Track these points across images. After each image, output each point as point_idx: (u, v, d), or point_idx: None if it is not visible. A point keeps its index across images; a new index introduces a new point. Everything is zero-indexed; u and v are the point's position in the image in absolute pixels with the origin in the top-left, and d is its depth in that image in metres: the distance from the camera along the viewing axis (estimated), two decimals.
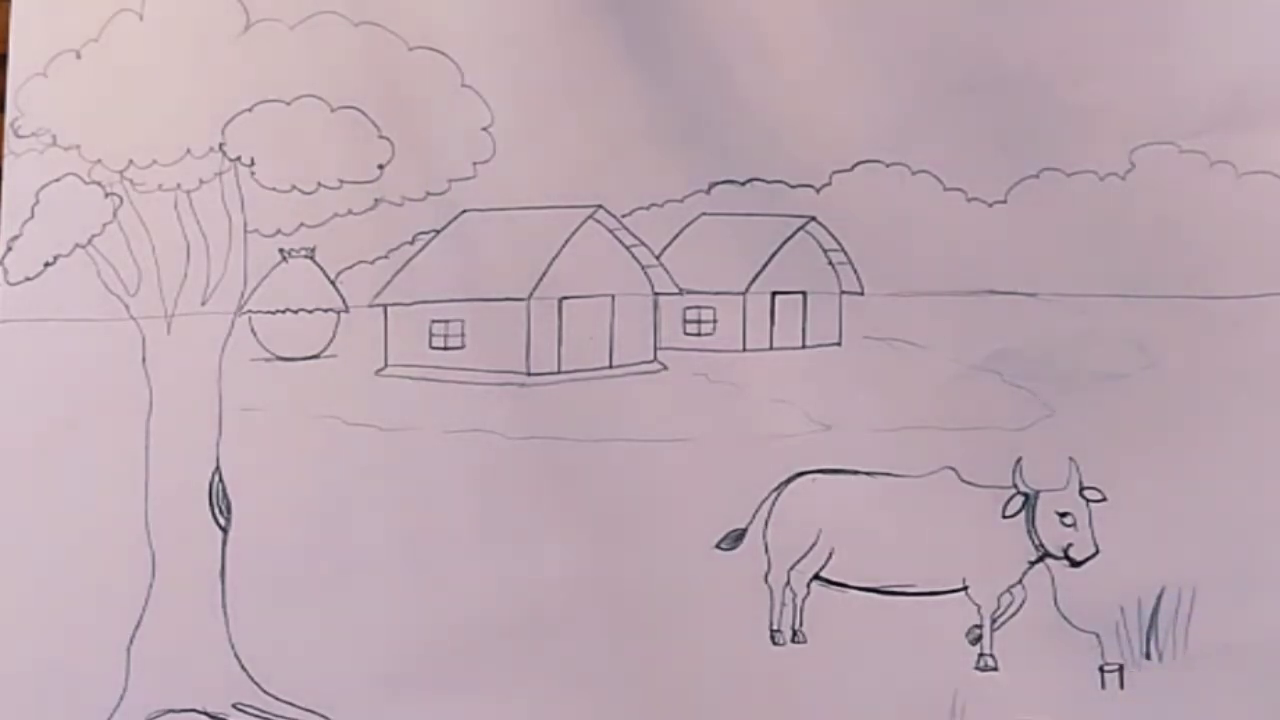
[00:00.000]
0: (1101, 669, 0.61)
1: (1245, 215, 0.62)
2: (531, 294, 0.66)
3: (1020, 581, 0.62)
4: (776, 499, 0.64)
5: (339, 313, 0.67)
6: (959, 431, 0.63)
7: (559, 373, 0.65)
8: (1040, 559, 0.62)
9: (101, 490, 0.67)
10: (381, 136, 0.67)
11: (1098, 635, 0.61)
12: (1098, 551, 0.62)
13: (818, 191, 0.65)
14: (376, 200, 0.67)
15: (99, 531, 0.66)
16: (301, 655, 0.65)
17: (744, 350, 0.65)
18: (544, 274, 0.66)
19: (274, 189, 0.67)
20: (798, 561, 0.63)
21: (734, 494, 0.64)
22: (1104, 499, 0.62)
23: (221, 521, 0.66)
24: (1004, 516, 0.62)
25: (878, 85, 0.64)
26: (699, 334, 0.65)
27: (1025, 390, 0.63)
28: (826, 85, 0.65)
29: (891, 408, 0.63)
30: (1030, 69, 0.64)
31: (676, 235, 0.65)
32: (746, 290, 0.65)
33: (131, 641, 0.66)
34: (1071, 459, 0.62)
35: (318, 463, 0.66)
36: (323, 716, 0.65)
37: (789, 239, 0.65)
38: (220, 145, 0.68)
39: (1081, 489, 0.62)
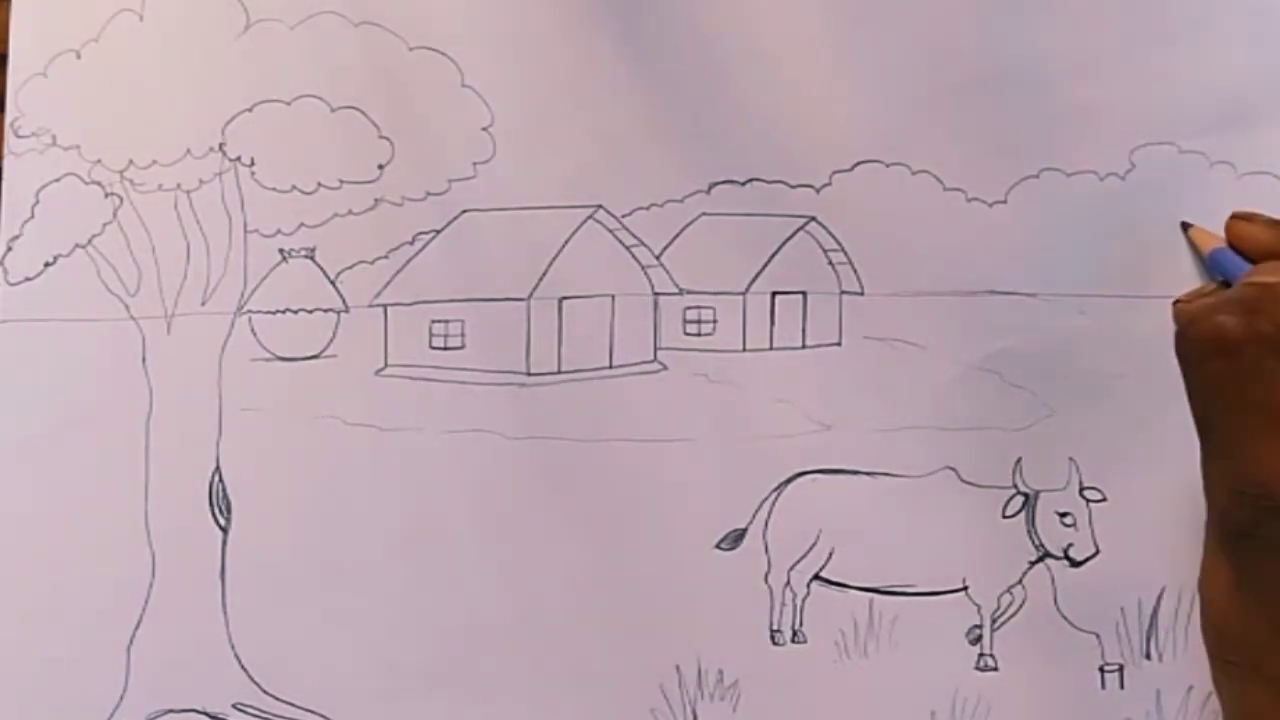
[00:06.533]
0: (1101, 669, 0.61)
1: None
2: (531, 294, 0.66)
3: (1020, 581, 0.62)
4: (776, 499, 0.64)
5: (339, 313, 0.67)
6: (959, 431, 0.63)
7: (559, 373, 0.65)
8: (1040, 559, 0.62)
9: (101, 490, 0.67)
10: (381, 136, 0.67)
11: (1098, 635, 0.61)
12: (1098, 551, 0.62)
13: (818, 191, 0.65)
14: (376, 200, 0.67)
15: (99, 532, 0.66)
16: (301, 655, 0.65)
17: (744, 350, 0.65)
18: (544, 274, 0.66)
19: (274, 189, 0.67)
20: (798, 561, 0.63)
21: (734, 494, 0.64)
22: (1104, 499, 0.62)
23: (221, 521, 0.66)
24: (1004, 516, 0.62)
25: (878, 85, 0.64)
26: (699, 334, 0.65)
27: (1025, 390, 0.63)
28: (826, 85, 0.65)
29: (891, 408, 0.63)
30: (1030, 69, 0.64)
31: (676, 235, 0.65)
32: (746, 290, 0.65)
33: (131, 641, 0.66)
34: (1071, 459, 0.62)
35: (318, 463, 0.66)
36: (323, 716, 0.65)
37: (789, 239, 0.65)
38: (220, 145, 0.68)
39: (1081, 489, 0.62)
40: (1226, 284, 0.58)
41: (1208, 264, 0.59)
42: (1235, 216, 0.57)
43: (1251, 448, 0.49)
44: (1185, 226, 0.61)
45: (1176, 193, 0.62)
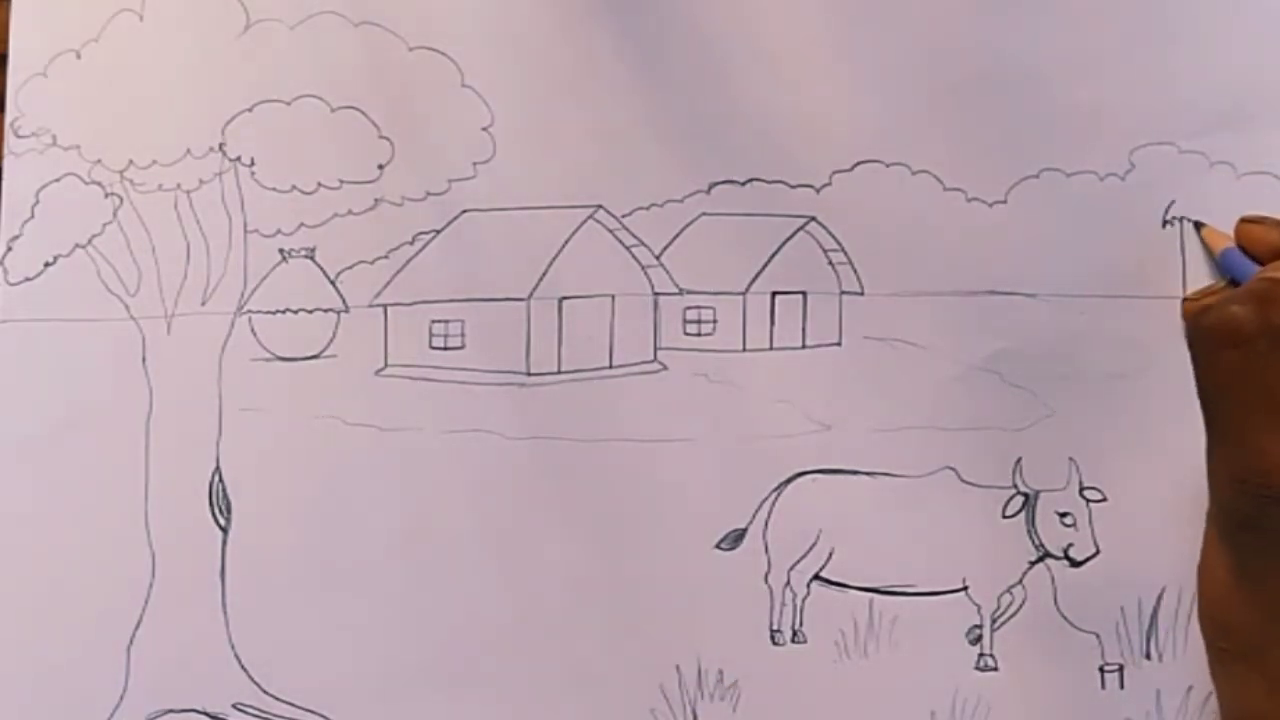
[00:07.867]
0: (1101, 669, 0.61)
1: None
2: (531, 294, 0.66)
3: (1020, 581, 0.62)
4: (776, 499, 0.64)
5: (339, 313, 0.67)
6: (959, 431, 0.63)
7: (559, 373, 0.65)
8: (1040, 559, 0.62)
9: (101, 490, 0.67)
10: (381, 136, 0.67)
11: (1098, 635, 0.61)
12: (1098, 551, 0.62)
13: (818, 191, 0.65)
14: (376, 200, 0.67)
15: (99, 531, 0.66)
16: (301, 655, 0.65)
17: (744, 350, 0.65)
18: (544, 274, 0.66)
19: (274, 189, 0.67)
20: (798, 561, 0.63)
21: (734, 494, 0.64)
22: (1104, 499, 0.62)
23: (221, 521, 0.66)
24: (1004, 516, 0.62)
25: (878, 85, 0.64)
26: (699, 334, 0.65)
27: (1025, 390, 0.63)
28: (826, 85, 0.65)
29: (891, 408, 0.63)
30: (1030, 69, 0.64)
31: (676, 235, 0.65)
32: (746, 290, 0.65)
33: (131, 641, 0.66)
34: (1071, 459, 0.62)
35: (318, 463, 0.66)
36: (323, 716, 0.65)
37: (789, 239, 0.65)
38: (220, 145, 0.68)
39: (1081, 489, 0.62)
40: (1235, 283, 0.58)
41: (1219, 264, 0.59)
42: (1245, 220, 0.57)
43: (1255, 438, 0.49)
44: (1198, 226, 0.61)
45: (1176, 193, 0.62)
